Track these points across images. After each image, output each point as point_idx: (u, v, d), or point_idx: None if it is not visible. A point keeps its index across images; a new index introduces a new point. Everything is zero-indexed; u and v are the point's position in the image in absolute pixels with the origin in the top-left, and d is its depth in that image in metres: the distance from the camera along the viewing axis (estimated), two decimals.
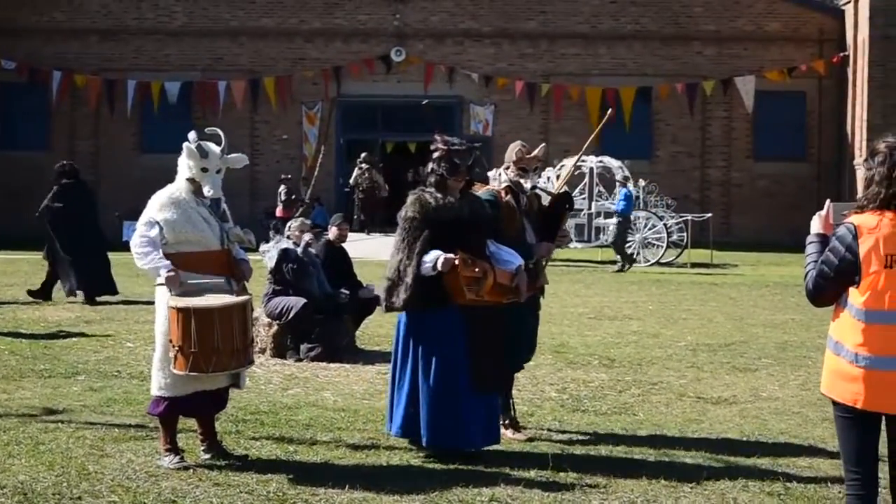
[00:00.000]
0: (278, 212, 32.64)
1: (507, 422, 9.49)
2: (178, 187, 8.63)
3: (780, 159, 37.65)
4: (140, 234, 8.46)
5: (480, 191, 9.40)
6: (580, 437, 9.67)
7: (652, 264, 28.07)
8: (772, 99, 36.97)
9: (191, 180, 8.57)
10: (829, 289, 5.95)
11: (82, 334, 15.07)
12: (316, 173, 34.72)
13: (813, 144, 37.90)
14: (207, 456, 8.59)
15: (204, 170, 8.55)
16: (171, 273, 8.28)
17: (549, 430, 9.94)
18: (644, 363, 13.51)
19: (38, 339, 14.49)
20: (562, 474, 8.34)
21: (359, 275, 14.96)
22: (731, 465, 8.70)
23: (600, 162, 30.93)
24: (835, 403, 6.06)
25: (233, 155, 8.90)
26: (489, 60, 37.75)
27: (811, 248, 6.00)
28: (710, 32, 37.79)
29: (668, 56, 37.79)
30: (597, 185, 30.67)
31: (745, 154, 37.84)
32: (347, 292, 14.08)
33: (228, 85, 37.12)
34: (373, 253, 26.21)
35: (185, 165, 8.61)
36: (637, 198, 29.95)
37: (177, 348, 8.19)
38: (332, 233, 14.87)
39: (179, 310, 8.17)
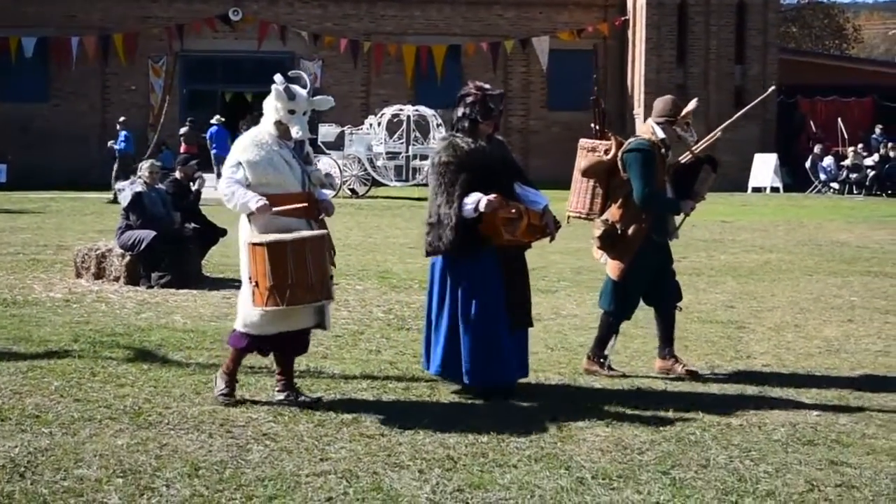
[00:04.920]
0: (182, 148, 31.79)
1: (600, 360, 8.81)
2: (261, 130, 7.70)
3: (571, 109, 37.92)
4: (226, 176, 7.56)
5: (634, 138, 8.67)
6: (405, 353, 9.52)
7: None
8: (563, 57, 37.23)
9: (278, 123, 7.63)
10: None
11: None
12: (162, 121, 34.01)
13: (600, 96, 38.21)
14: (281, 396, 7.67)
15: (291, 112, 7.60)
16: (262, 202, 7.36)
17: (378, 346, 9.79)
18: None
19: None
20: (390, 385, 8.20)
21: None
22: (537, 373, 8.64)
23: (416, 111, 30.77)
24: None
25: (318, 97, 7.89)
26: (317, 20, 37.28)
27: None
28: None
29: (474, 18, 37.81)
30: (413, 130, 30.46)
31: (540, 104, 38.14)
32: (192, 224, 13.75)
33: (81, 41, 35.99)
34: None
35: (273, 108, 7.65)
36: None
37: (254, 283, 7.35)
38: (179, 173, 14.55)
39: (255, 245, 7.35)
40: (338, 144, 30.02)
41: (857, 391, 8.29)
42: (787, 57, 38.60)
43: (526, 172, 8.41)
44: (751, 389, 8.34)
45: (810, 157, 35.15)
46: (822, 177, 34.86)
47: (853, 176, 34.31)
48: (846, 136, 36.41)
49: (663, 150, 8.64)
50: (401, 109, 30.88)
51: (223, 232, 14.14)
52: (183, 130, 33.52)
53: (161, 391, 7.92)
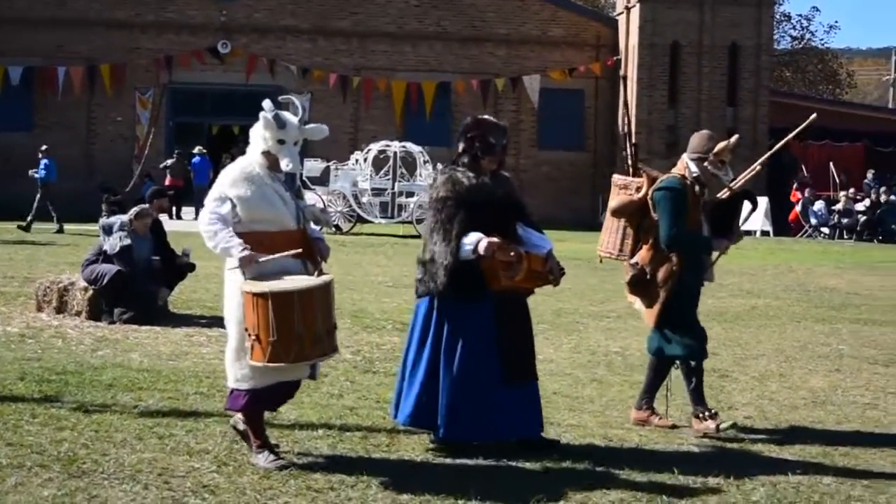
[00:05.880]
0: (167, 181, 31.68)
1: (705, 413, 8.10)
2: (250, 161, 6.92)
3: (561, 148, 37.70)
4: (210, 210, 6.79)
5: (664, 176, 8.09)
6: (367, 397, 9.02)
7: None
8: (554, 96, 37.01)
9: (266, 153, 6.88)
10: None
11: None
12: (146, 153, 33.66)
13: (590, 136, 38.05)
14: (242, 427, 7.04)
15: (281, 141, 6.83)
16: (246, 252, 6.61)
17: (340, 390, 9.29)
18: None
19: None
20: (347, 433, 7.69)
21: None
22: None
23: (403, 147, 30.37)
24: None
25: (311, 125, 7.09)
26: (306, 55, 37.01)
27: None
28: (502, 35, 37.66)
29: (465, 55, 37.57)
30: (400, 167, 30.05)
31: (530, 143, 37.82)
32: (158, 258, 13.24)
33: (68, 71, 35.63)
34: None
35: (261, 137, 6.89)
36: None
37: (254, 337, 6.57)
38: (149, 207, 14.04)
39: (255, 295, 6.54)
40: (323, 180, 29.58)
41: (842, 447, 7.80)
42: (779, 100, 38.32)
43: (531, 213, 7.74)
44: (730, 444, 7.87)
45: (801, 202, 34.80)
46: (813, 221, 34.50)
47: (844, 221, 33.95)
48: (838, 180, 36.10)
49: (697, 188, 8.11)
50: (387, 145, 30.46)
51: (191, 267, 13.65)
52: (169, 162, 33.28)
53: (102, 436, 7.39)
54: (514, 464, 7.09)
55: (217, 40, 36.45)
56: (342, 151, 32.55)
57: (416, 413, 7.35)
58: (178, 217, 31.67)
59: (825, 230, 34.34)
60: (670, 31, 35.74)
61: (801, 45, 60.36)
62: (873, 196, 34.30)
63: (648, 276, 8.14)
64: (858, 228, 33.67)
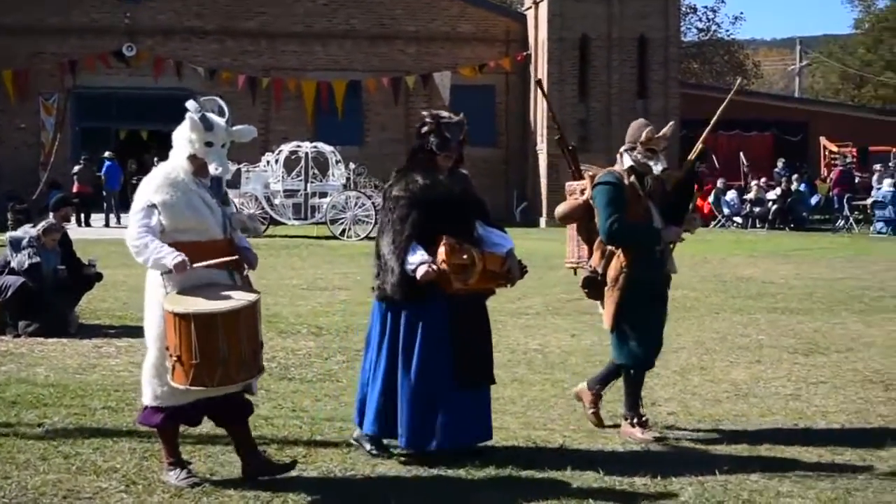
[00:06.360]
0: (75, 187, 31.07)
1: (634, 420, 7.87)
2: (174, 166, 6.54)
3: (473, 144, 36.99)
4: (137, 222, 6.40)
5: (601, 172, 7.82)
6: (283, 406, 8.75)
7: (362, 238, 27.18)
8: (465, 92, 36.76)
9: (192, 157, 6.50)
10: None
11: None
12: (52, 160, 32.94)
13: (502, 132, 37.98)
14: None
15: (209, 144, 6.48)
16: (180, 258, 6.23)
17: (254, 398, 8.98)
18: (350, 330, 12.64)
19: None
20: (262, 445, 7.39)
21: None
22: None
23: (315, 147, 30.00)
24: None
25: (239, 127, 6.73)
26: (214, 56, 36.50)
27: None
28: (411, 33, 37.45)
29: (374, 53, 37.31)
30: (312, 168, 29.69)
31: None
32: (64, 267, 12.80)
33: None
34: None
35: (186, 140, 6.51)
36: (348, 179, 29.20)
37: (175, 358, 6.22)
38: (53, 217, 13.58)
39: (177, 315, 6.18)
40: (234, 182, 29.07)
41: (768, 443, 7.67)
42: (689, 91, 38.53)
43: (489, 211, 7.51)
44: (656, 442, 7.70)
45: (713, 192, 35.04)
46: (726, 211, 34.75)
47: (756, 210, 34.22)
48: (747, 169, 36.44)
49: (632, 179, 7.80)
50: (299, 146, 30.08)
51: (99, 276, 13.23)
52: (77, 169, 32.56)
53: (4, 458, 7.04)
54: (435, 471, 6.87)
55: (122, 43, 35.76)
56: (253, 153, 31.95)
57: (379, 422, 7.14)
58: (88, 224, 31.00)
59: (738, 219, 34.59)
60: (579, 24, 35.74)
61: (707, 37, 60.92)
62: (784, 184, 34.61)
63: (599, 277, 7.93)
64: (770, 217, 33.94)
